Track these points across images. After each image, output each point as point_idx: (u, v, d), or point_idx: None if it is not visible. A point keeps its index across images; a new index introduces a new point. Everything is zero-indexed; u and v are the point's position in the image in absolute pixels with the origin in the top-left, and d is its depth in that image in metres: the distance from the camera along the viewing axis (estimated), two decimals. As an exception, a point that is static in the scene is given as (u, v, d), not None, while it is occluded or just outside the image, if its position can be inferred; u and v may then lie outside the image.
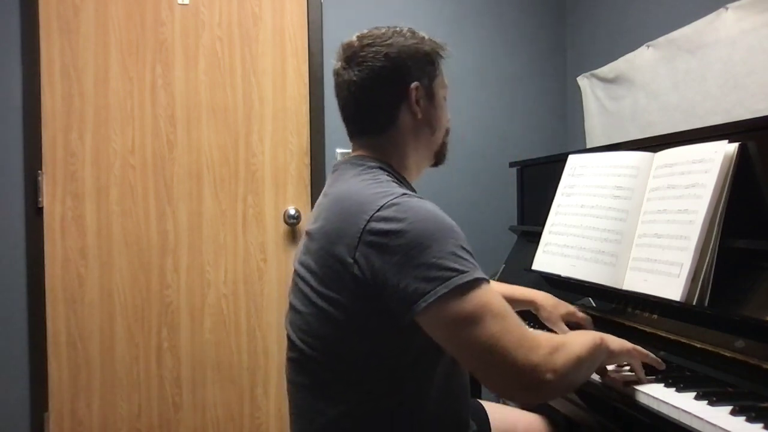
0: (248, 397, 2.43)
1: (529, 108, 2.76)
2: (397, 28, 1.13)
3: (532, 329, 0.95)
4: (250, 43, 2.42)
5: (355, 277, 0.95)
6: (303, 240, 1.14)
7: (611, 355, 1.05)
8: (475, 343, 0.90)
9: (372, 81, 1.09)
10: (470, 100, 2.66)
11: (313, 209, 1.17)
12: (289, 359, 1.11)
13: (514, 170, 2.26)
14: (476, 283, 0.92)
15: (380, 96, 1.10)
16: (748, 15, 1.70)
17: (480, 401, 1.37)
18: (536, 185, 2.13)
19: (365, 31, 1.14)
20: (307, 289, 1.04)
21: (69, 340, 2.27)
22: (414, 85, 1.10)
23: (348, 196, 1.03)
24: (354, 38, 1.12)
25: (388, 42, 1.10)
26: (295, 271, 1.13)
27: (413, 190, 1.10)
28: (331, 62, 1.16)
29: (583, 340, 0.99)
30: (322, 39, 2.46)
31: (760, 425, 0.86)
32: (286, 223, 2.44)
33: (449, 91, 1.21)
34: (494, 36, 2.70)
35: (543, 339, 0.93)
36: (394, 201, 0.96)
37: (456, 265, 0.91)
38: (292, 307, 1.12)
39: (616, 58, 2.31)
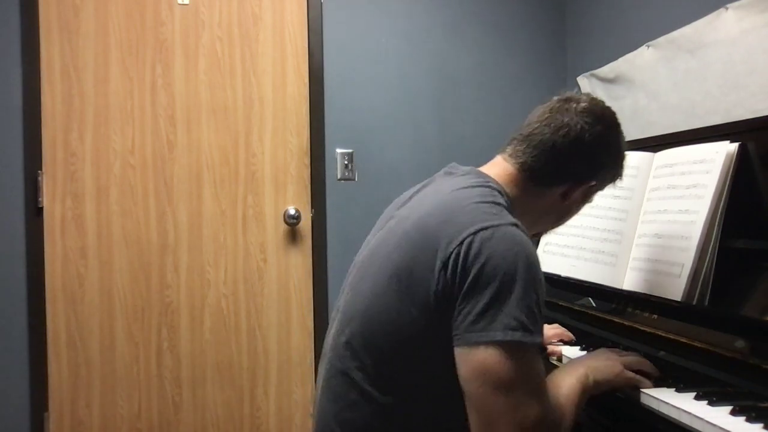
0: (248, 397, 2.43)
1: (529, 108, 2.74)
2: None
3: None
4: (250, 43, 2.42)
5: (441, 281, 0.93)
6: (389, 221, 1.10)
7: (598, 386, 1.04)
8: (485, 404, 0.89)
9: (579, 141, 1.07)
10: (470, 100, 2.66)
11: (409, 193, 1.14)
12: (342, 343, 1.04)
13: (514, 170, 2.26)
14: (532, 348, 0.90)
15: (569, 157, 1.08)
16: (748, 15, 1.69)
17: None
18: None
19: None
20: (384, 277, 1.00)
21: (69, 340, 2.27)
22: (593, 183, 1.11)
23: (462, 198, 1.00)
24: (604, 103, 1.13)
25: (618, 138, 1.12)
26: (370, 251, 1.08)
27: None
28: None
29: (570, 393, 0.98)
30: (322, 39, 2.45)
31: (760, 425, 0.86)
32: (286, 223, 2.44)
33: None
34: (494, 36, 2.70)
35: (546, 416, 0.90)
36: (502, 226, 0.94)
37: (526, 321, 0.89)
38: (356, 291, 1.07)
39: (616, 58, 2.31)
